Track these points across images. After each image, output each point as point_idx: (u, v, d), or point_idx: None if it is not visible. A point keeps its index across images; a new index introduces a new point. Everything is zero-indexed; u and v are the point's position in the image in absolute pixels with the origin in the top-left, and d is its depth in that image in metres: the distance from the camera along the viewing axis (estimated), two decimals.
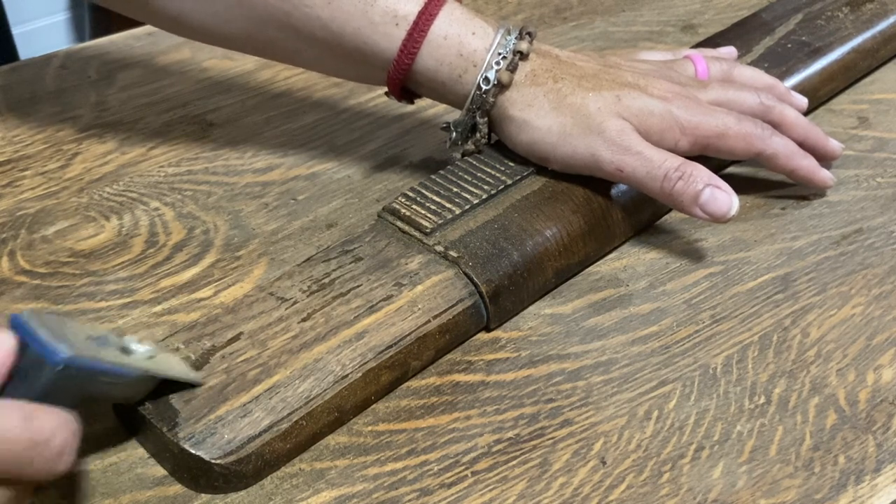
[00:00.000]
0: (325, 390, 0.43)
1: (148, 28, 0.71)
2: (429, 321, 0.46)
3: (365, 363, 0.44)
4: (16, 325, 0.36)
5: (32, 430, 0.34)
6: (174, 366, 0.42)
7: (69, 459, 0.35)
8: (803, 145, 0.55)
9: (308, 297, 0.46)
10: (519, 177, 0.53)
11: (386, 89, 0.55)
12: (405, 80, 0.53)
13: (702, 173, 0.50)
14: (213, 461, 0.40)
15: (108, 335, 0.39)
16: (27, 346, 0.35)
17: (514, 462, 0.42)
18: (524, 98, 0.52)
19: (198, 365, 0.43)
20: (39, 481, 0.35)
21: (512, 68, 0.52)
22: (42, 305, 0.50)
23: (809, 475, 0.42)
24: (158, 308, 0.49)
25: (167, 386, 0.42)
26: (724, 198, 0.50)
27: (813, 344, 0.48)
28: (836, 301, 0.50)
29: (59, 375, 0.35)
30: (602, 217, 0.52)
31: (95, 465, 0.42)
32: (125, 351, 0.39)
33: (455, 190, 0.52)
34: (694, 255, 0.53)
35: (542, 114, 0.51)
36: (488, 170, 0.53)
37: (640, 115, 0.51)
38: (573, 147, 0.51)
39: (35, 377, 0.35)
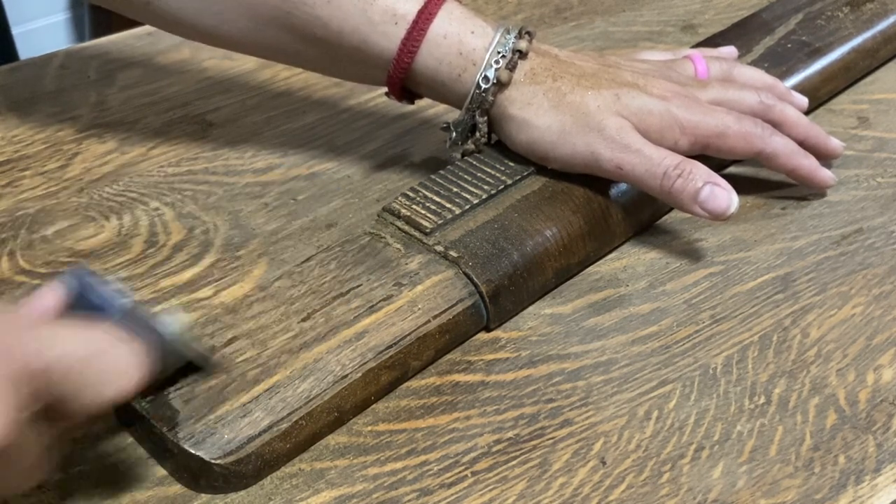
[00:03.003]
0: (325, 390, 0.43)
1: (148, 28, 0.71)
2: (429, 321, 0.46)
3: (365, 363, 0.44)
4: (75, 276, 0.37)
5: (96, 341, 0.34)
6: (198, 346, 0.42)
7: (133, 380, 0.35)
8: (804, 144, 0.55)
9: (308, 296, 0.46)
10: (519, 177, 0.53)
11: (386, 89, 0.55)
12: (405, 80, 0.53)
13: (701, 171, 0.50)
14: (213, 461, 0.40)
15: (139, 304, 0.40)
16: (80, 297, 0.37)
17: (514, 462, 0.42)
18: (523, 97, 0.52)
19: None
20: (89, 414, 0.35)
21: (511, 67, 0.52)
22: None
23: (809, 475, 0.42)
24: (158, 308, 0.49)
25: (182, 370, 0.42)
26: (723, 195, 0.50)
27: (813, 344, 0.48)
28: (836, 301, 0.50)
29: (115, 325, 0.36)
30: (602, 217, 0.52)
31: (95, 465, 0.42)
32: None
33: (455, 190, 0.52)
34: (694, 255, 0.53)
35: (541, 112, 0.51)
36: (488, 170, 0.53)
37: (639, 113, 0.51)
38: (572, 145, 0.51)
39: None
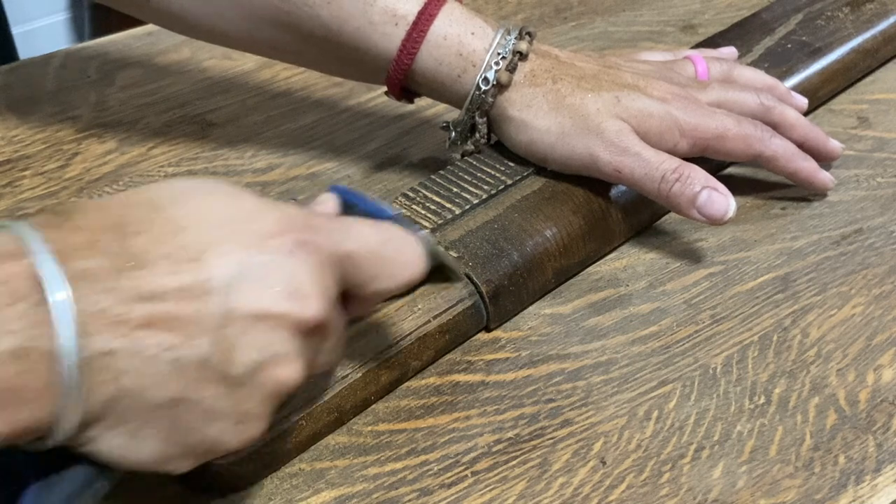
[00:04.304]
0: (325, 390, 0.43)
1: (148, 28, 0.71)
2: (429, 321, 0.46)
3: (365, 363, 0.44)
4: (338, 190, 0.41)
5: (383, 234, 0.38)
6: (447, 255, 0.45)
7: (420, 267, 0.39)
8: (803, 146, 0.55)
9: None
10: (519, 177, 0.53)
11: (386, 89, 0.55)
12: (405, 80, 0.53)
13: (699, 175, 0.50)
14: (212, 461, 0.40)
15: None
16: (352, 208, 0.40)
17: (514, 462, 0.42)
18: (523, 98, 0.52)
19: None
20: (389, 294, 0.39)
21: (511, 68, 0.52)
22: None
23: (809, 475, 0.42)
24: None
25: (431, 276, 0.43)
26: (720, 200, 0.50)
27: (813, 344, 0.48)
28: (836, 301, 0.50)
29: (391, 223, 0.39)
30: (602, 217, 0.52)
31: None
32: None
33: (455, 190, 0.52)
34: (694, 255, 0.53)
35: (540, 114, 0.51)
36: (488, 170, 0.53)
37: (639, 116, 0.51)
38: (571, 147, 0.51)
39: None
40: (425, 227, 0.45)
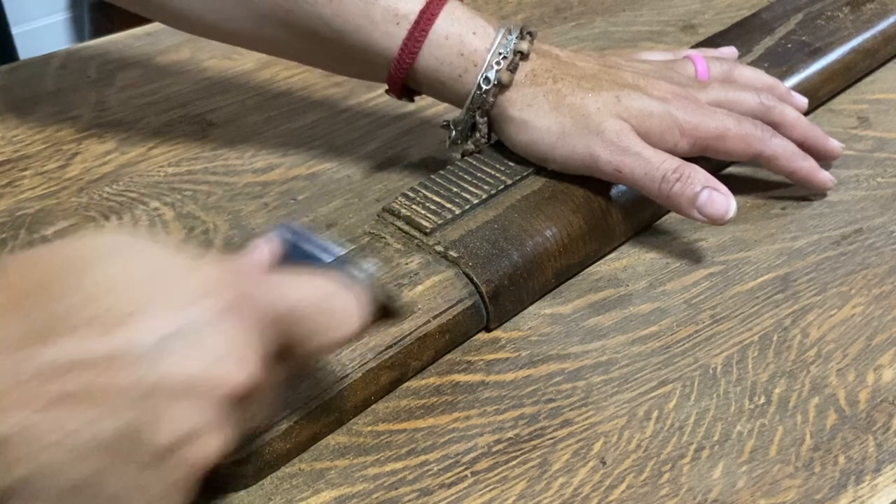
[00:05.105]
0: (325, 390, 0.43)
1: (148, 28, 0.71)
2: (429, 321, 0.46)
3: (365, 363, 0.44)
4: (283, 230, 0.39)
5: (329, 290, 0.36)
6: (389, 292, 0.43)
7: (357, 322, 0.36)
8: (803, 146, 0.55)
9: None
10: (519, 177, 0.53)
11: (386, 87, 0.55)
12: (406, 79, 0.53)
13: (699, 175, 0.50)
14: None
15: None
16: (294, 248, 0.38)
17: (514, 462, 0.42)
18: (524, 98, 0.52)
19: None
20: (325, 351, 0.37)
21: (512, 68, 0.52)
22: None
23: (809, 475, 0.42)
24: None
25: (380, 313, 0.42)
26: (721, 200, 0.50)
27: (813, 344, 0.48)
28: (836, 301, 0.50)
29: (330, 272, 0.37)
30: (602, 217, 0.52)
31: None
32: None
33: (455, 190, 0.52)
34: (694, 255, 0.53)
35: (541, 114, 0.51)
36: (488, 170, 0.53)
37: (639, 115, 0.51)
38: (572, 147, 0.51)
39: None
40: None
